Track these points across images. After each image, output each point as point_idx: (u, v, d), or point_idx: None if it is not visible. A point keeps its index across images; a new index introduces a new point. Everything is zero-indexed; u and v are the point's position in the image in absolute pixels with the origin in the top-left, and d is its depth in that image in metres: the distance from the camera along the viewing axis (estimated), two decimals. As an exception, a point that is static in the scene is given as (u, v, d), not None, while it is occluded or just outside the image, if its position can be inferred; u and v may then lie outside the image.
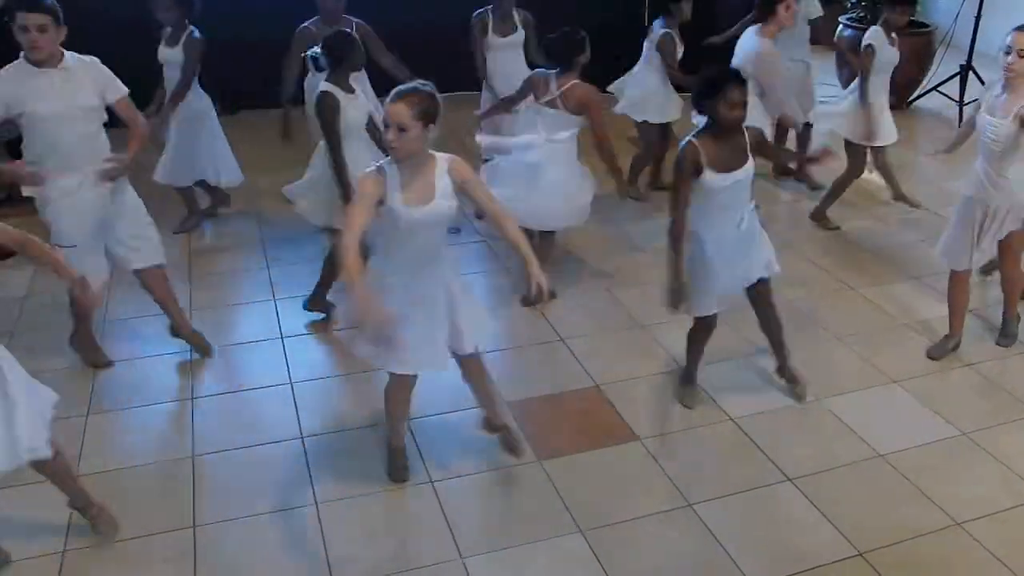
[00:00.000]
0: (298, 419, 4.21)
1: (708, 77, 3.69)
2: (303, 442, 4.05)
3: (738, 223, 3.89)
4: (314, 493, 3.74)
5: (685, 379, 4.38)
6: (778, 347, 4.32)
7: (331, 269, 4.95)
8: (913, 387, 4.48)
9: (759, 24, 5.54)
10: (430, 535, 3.54)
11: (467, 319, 3.54)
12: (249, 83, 7.62)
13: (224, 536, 3.52)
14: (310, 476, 3.84)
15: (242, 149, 6.81)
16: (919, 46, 8.65)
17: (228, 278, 5.62)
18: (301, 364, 4.68)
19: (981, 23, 8.65)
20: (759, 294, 4.13)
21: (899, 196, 6.46)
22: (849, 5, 9.49)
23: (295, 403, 4.33)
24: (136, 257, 4.35)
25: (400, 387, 3.66)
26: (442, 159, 3.31)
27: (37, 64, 3.83)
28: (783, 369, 4.38)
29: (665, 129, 6.66)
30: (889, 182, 6.45)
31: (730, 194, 3.80)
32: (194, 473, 3.86)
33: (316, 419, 4.22)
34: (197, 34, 5.54)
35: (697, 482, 3.82)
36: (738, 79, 3.64)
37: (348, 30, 4.99)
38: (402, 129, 3.12)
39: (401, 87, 3.20)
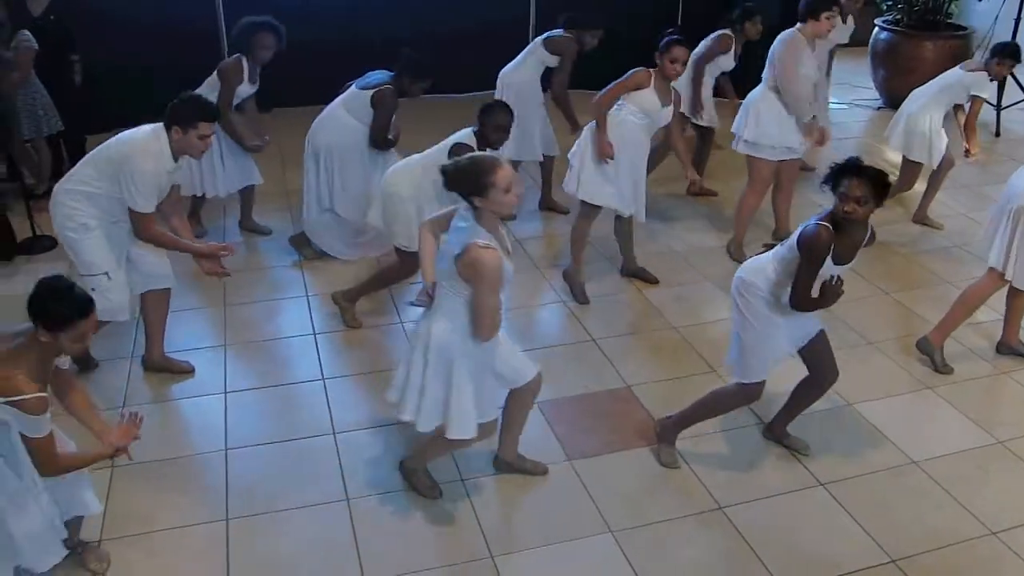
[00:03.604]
0: (331, 415, 4.23)
1: (835, 165, 3.48)
2: (335, 438, 4.08)
3: None
4: (345, 489, 3.76)
5: (671, 436, 4.00)
6: (797, 407, 3.98)
7: (379, 282, 5.01)
8: (948, 393, 4.44)
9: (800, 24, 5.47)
10: (460, 533, 3.55)
11: (518, 355, 3.60)
12: (283, 82, 7.70)
13: (256, 530, 3.55)
14: (342, 472, 3.86)
15: (275, 146, 6.88)
16: (957, 49, 8.57)
17: (261, 274, 5.66)
18: (334, 360, 4.71)
19: (1021, 25, 8.56)
20: (813, 352, 3.78)
21: (921, 218, 6.42)
22: (885, 8, 9.41)
23: (327, 399, 4.36)
24: (147, 281, 4.35)
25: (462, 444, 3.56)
26: None
27: (177, 158, 4.04)
28: (780, 428, 4.06)
29: (706, 133, 6.66)
30: (924, 199, 6.41)
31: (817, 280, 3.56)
32: (227, 467, 3.89)
33: (348, 415, 4.24)
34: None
35: (728, 485, 3.81)
36: (858, 173, 3.40)
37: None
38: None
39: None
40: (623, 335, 4.97)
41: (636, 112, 4.99)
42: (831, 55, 7.03)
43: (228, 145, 5.66)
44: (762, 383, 3.74)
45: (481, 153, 3.32)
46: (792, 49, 5.32)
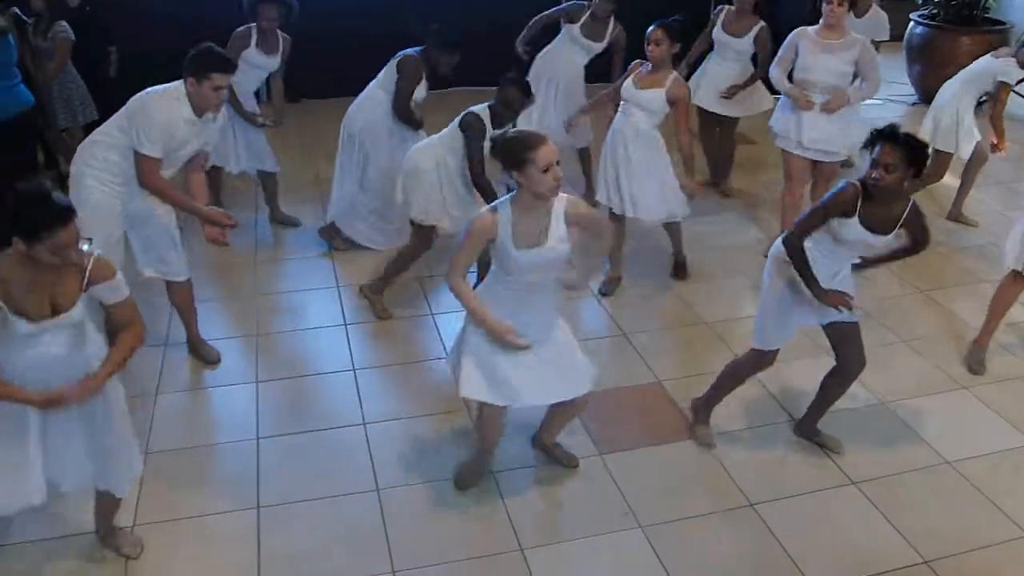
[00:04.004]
0: (360, 406, 4.25)
1: (875, 130, 3.46)
2: (365, 428, 4.09)
3: (834, 275, 3.62)
4: (376, 479, 3.77)
5: (704, 415, 4.07)
6: (825, 401, 3.93)
7: (399, 265, 5.01)
8: (984, 394, 4.38)
9: None
10: (491, 526, 3.55)
11: (569, 368, 3.49)
12: (312, 73, 7.73)
13: (287, 518, 3.57)
14: (372, 462, 3.88)
15: (304, 137, 6.93)
16: (995, 44, 8.41)
17: (292, 264, 5.69)
18: (364, 351, 4.73)
19: (1061, 21, 8.43)
20: (842, 336, 3.76)
21: (956, 215, 6.34)
22: (921, 2, 9.28)
23: (358, 390, 4.38)
24: (161, 268, 4.34)
25: (493, 416, 3.57)
26: (559, 199, 3.22)
27: (198, 112, 4.04)
28: (811, 425, 4.01)
29: (726, 125, 6.62)
30: (958, 195, 6.32)
31: (849, 249, 3.60)
32: (258, 455, 3.92)
33: (378, 406, 4.26)
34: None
35: (759, 482, 3.79)
36: (890, 139, 3.38)
37: None
38: (558, 162, 3.15)
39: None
40: (655, 330, 4.95)
41: (627, 109, 4.99)
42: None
43: (241, 122, 5.67)
44: (774, 352, 3.79)
45: (530, 129, 3.31)
46: (791, 38, 5.35)
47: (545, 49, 6.26)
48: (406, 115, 5.40)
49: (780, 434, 4.09)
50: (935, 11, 9.02)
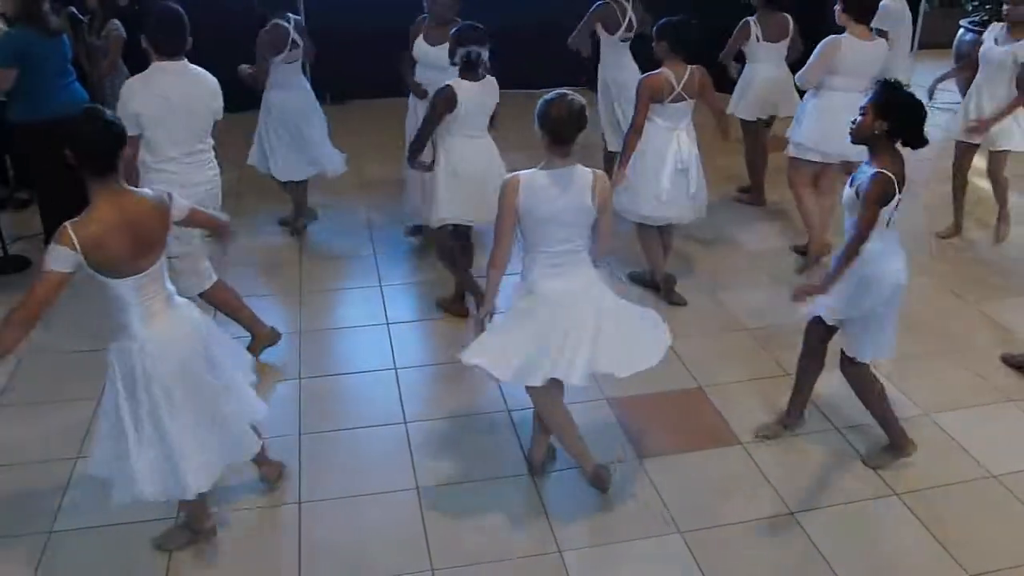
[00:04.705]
0: (401, 404, 4.29)
1: None
2: (406, 427, 4.13)
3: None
4: (415, 478, 3.80)
5: (785, 415, 4.11)
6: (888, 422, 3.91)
7: (449, 266, 5.02)
8: (1031, 407, 4.32)
9: None
10: (529, 526, 3.57)
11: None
12: (358, 73, 7.79)
13: (328, 514, 3.61)
14: (412, 461, 3.91)
15: (350, 138, 6.96)
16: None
17: (336, 263, 5.76)
18: (406, 351, 4.76)
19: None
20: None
21: (1001, 218, 6.13)
22: (971, 8, 9.15)
23: (399, 389, 4.41)
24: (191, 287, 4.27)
25: (538, 395, 3.61)
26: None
27: None
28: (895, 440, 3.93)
29: (749, 126, 6.56)
30: (997, 200, 6.09)
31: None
32: (300, 451, 3.97)
33: (419, 405, 4.29)
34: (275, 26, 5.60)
35: (800, 490, 3.76)
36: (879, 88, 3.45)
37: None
38: None
39: None
40: (696, 335, 4.92)
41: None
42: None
43: (295, 126, 5.71)
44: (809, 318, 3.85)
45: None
46: None
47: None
48: (404, 67, 5.50)
49: (822, 443, 4.06)
50: (985, 17, 8.88)
